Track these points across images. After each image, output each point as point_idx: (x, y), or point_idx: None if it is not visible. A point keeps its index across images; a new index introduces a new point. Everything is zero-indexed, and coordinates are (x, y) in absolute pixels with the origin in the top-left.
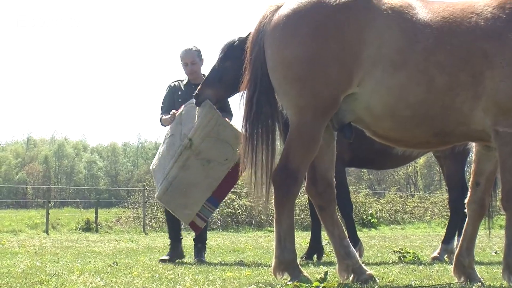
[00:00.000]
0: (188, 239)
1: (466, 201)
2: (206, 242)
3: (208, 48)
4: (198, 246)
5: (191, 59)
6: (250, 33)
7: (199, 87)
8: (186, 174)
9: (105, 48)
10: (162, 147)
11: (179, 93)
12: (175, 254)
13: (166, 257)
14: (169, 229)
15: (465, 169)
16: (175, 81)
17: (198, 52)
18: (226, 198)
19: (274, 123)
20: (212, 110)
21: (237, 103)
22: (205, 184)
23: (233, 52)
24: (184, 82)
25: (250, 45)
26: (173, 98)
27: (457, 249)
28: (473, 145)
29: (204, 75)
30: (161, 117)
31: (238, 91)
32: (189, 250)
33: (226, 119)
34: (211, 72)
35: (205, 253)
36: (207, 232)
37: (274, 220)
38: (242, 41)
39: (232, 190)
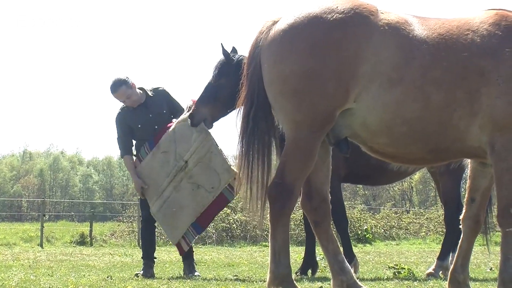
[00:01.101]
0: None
1: (461, 217)
2: (193, 256)
3: (209, 51)
4: (187, 261)
5: (124, 96)
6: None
7: (193, 106)
8: (178, 195)
9: (103, 58)
10: (151, 160)
11: (134, 119)
12: (148, 273)
13: (141, 272)
14: (143, 250)
15: (461, 185)
16: (120, 111)
17: (125, 82)
18: (221, 212)
19: (271, 139)
20: (208, 136)
21: (234, 118)
22: (192, 208)
23: (227, 69)
24: (131, 108)
25: (247, 60)
26: (130, 128)
27: (452, 265)
28: (468, 162)
29: (141, 88)
30: (123, 156)
31: (234, 108)
32: (176, 265)
33: (220, 148)
34: (206, 90)
35: (196, 266)
36: (203, 246)
37: (269, 235)
38: (237, 58)
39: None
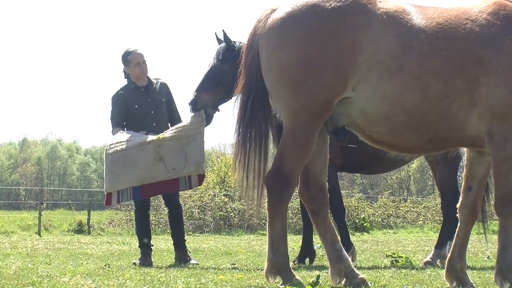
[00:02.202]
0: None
1: (458, 205)
2: (185, 245)
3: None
4: (180, 251)
5: (143, 58)
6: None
7: (195, 92)
8: (138, 153)
9: (101, 50)
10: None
11: (132, 99)
12: (146, 261)
13: (138, 261)
14: (139, 239)
15: (458, 174)
16: (120, 90)
17: (143, 52)
18: (219, 201)
19: (268, 128)
20: (201, 124)
21: (231, 107)
22: (141, 173)
23: (230, 55)
24: (132, 87)
25: (245, 49)
26: (126, 107)
27: (449, 253)
28: (465, 150)
29: (148, 76)
30: (113, 130)
31: (233, 96)
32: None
33: (203, 141)
34: (208, 75)
35: (191, 254)
36: (201, 235)
37: (267, 224)
38: (239, 45)
39: (224, 193)
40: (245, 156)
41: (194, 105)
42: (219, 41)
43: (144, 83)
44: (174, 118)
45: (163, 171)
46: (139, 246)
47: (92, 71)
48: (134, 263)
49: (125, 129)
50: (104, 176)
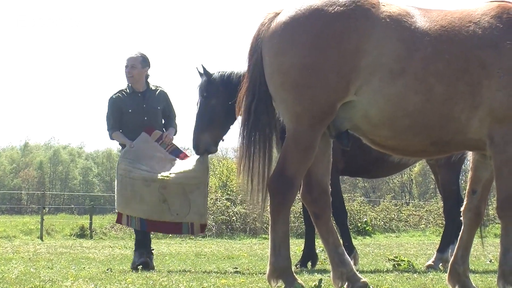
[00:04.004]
0: (171, 247)
1: (462, 209)
2: (150, 245)
3: (209, 51)
4: (139, 251)
5: (131, 62)
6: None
7: (194, 135)
8: (144, 188)
9: (103, 53)
10: (146, 145)
11: (126, 103)
12: (139, 259)
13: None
14: (136, 242)
15: (460, 177)
16: (117, 93)
17: (142, 58)
18: (221, 205)
19: (272, 131)
20: (205, 173)
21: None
22: (148, 209)
23: (213, 88)
24: (129, 91)
25: (249, 52)
26: (121, 111)
27: (452, 257)
28: (469, 154)
29: (149, 82)
30: (112, 133)
31: (233, 123)
32: (176, 257)
33: (207, 191)
34: (199, 114)
35: (153, 258)
36: (203, 239)
37: (270, 227)
38: (219, 75)
39: (226, 197)
40: (249, 159)
41: (196, 150)
42: (200, 74)
43: (142, 89)
44: (170, 125)
45: (167, 213)
46: (134, 250)
47: (95, 74)
48: (135, 268)
49: (120, 130)
50: (115, 192)
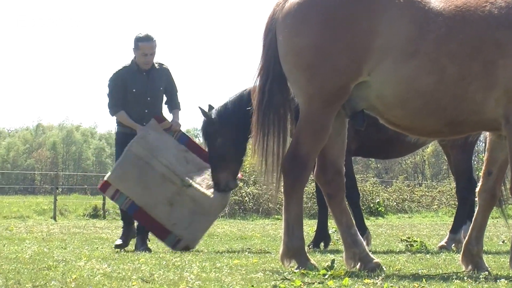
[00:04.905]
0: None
1: (477, 190)
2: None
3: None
4: (141, 236)
5: (152, 50)
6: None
7: (212, 176)
8: (157, 180)
9: (118, 33)
10: (164, 137)
11: (131, 82)
12: (129, 234)
13: (120, 242)
14: (125, 219)
15: (472, 158)
16: (122, 69)
17: (155, 41)
18: None
19: (286, 111)
20: (220, 210)
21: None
22: (148, 200)
23: (214, 128)
24: (134, 68)
25: (264, 32)
26: (125, 89)
27: (466, 237)
28: (487, 135)
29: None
30: (116, 112)
31: (244, 155)
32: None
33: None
34: (211, 157)
35: (148, 242)
36: (217, 218)
37: (283, 208)
38: (215, 112)
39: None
40: (263, 139)
41: (217, 188)
42: (204, 113)
43: (147, 68)
44: (173, 104)
45: (165, 216)
46: (123, 227)
47: (109, 54)
48: (118, 245)
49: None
50: (115, 161)
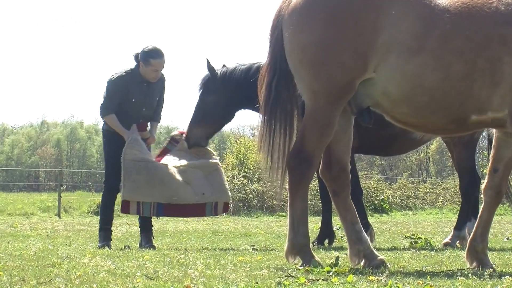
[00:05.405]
0: (188, 224)
1: (483, 187)
2: (152, 229)
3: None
4: (145, 234)
5: (163, 66)
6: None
7: (187, 128)
8: (164, 170)
9: (123, 32)
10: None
11: (133, 91)
12: (108, 244)
13: (103, 244)
14: (103, 221)
15: (475, 155)
16: (124, 73)
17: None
18: (238, 183)
19: (293, 108)
20: (215, 157)
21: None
22: (169, 192)
23: (213, 85)
24: (137, 78)
25: (271, 29)
26: (124, 96)
27: (471, 234)
28: (491, 131)
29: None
30: (107, 114)
31: (228, 121)
32: (194, 235)
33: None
34: (195, 110)
35: (153, 240)
36: (220, 216)
37: (288, 204)
38: (221, 72)
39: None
40: (270, 136)
41: (188, 142)
42: (209, 66)
43: (153, 81)
44: (155, 116)
45: (191, 194)
46: (100, 229)
47: (114, 52)
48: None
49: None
50: (122, 180)
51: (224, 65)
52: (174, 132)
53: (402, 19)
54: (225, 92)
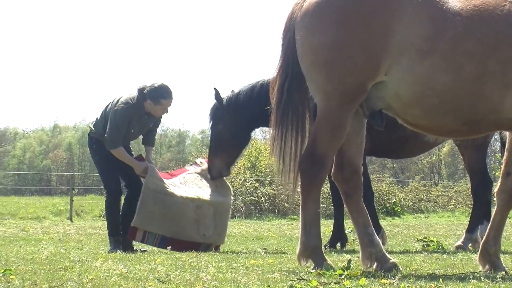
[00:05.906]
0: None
1: (495, 190)
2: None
3: (209, 51)
4: (116, 238)
5: (168, 106)
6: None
7: (207, 160)
8: (179, 206)
9: (133, 37)
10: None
11: (135, 123)
12: (118, 248)
13: (113, 249)
14: (111, 226)
15: (487, 158)
16: (132, 106)
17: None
18: (250, 186)
19: (305, 110)
20: (230, 197)
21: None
22: (177, 228)
23: (220, 113)
24: (142, 111)
25: (283, 31)
26: (127, 127)
27: (484, 237)
28: (504, 134)
29: None
30: (117, 147)
31: (246, 146)
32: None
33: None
34: (210, 141)
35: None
36: (231, 220)
37: (300, 206)
38: (227, 98)
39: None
40: (282, 138)
41: (210, 173)
42: (216, 95)
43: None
44: (151, 140)
45: (194, 233)
46: (109, 234)
47: (125, 57)
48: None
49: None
50: (138, 206)
51: (232, 91)
52: (199, 159)
53: (414, 21)
54: (234, 118)
